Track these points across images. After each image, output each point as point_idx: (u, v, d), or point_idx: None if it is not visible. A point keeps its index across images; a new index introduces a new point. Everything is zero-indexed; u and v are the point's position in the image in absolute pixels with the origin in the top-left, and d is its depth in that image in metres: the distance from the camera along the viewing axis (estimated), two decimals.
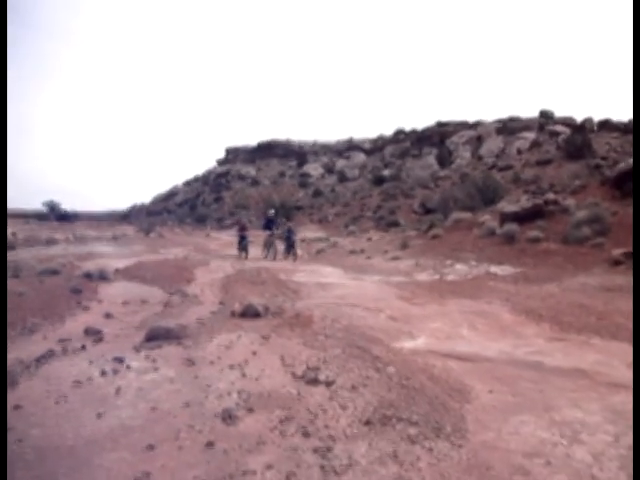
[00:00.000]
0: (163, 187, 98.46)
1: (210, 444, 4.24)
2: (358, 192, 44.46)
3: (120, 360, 6.31)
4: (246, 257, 20.47)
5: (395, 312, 9.51)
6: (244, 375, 5.97)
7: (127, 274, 13.47)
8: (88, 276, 12.26)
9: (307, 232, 33.28)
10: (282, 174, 59.64)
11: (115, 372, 5.94)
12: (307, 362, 6.46)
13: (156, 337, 7.36)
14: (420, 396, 5.35)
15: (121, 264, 14.96)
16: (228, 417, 4.77)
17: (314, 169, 57.90)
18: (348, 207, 40.35)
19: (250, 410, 4.94)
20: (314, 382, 5.77)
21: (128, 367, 6.10)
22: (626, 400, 5.22)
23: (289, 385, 5.69)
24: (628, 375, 5.95)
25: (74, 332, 7.95)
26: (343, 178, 51.73)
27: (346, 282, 13.24)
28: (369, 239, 27.86)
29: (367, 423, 4.68)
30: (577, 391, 5.46)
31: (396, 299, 10.78)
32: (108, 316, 9.16)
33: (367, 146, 60.29)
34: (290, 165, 61.50)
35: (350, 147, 61.17)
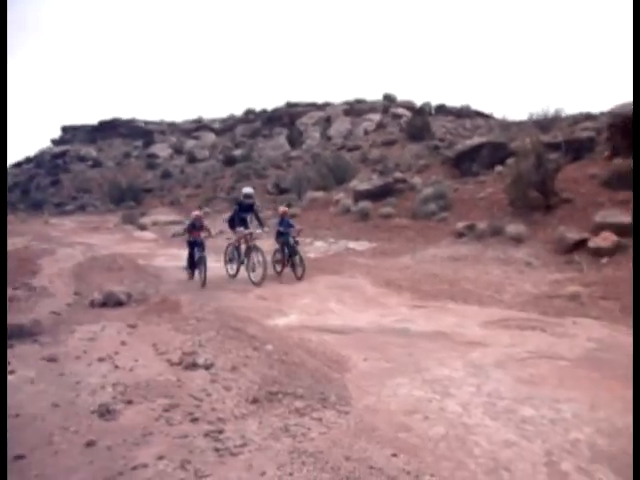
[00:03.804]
0: None
1: (90, 443, 3.95)
2: (210, 173, 43.46)
3: None
4: (203, 282, 10.44)
5: (263, 291, 9.58)
6: (116, 367, 5.64)
7: None
8: None
9: (159, 215, 31.97)
10: (127, 155, 56.22)
11: None
12: (182, 347, 6.28)
13: None
14: (301, 370, 5.48)
15: None
16: (106, 412, 4.48)
17: (162, 149, 55.36)
18: (200, 188, 39.30)
19: (129, 402, 4.69)
20: (193, 367, 5.63)
21: None
22: (481, 355, 5.84)
23: (167, 372, 5.49)
24: (481, 333, 6.65)
25: None
26: (193, 159, 50.17)
27: (208, 265, 12.97)
28: (225, 220, 27.47)
29: (254, 401, 4.69)
30: (441, 351, 5.98)
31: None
32: None
33: (217, 126, 59.02)
34: (135, 145, 58.12)
35: (199, 127, 59.43)
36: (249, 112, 57.53)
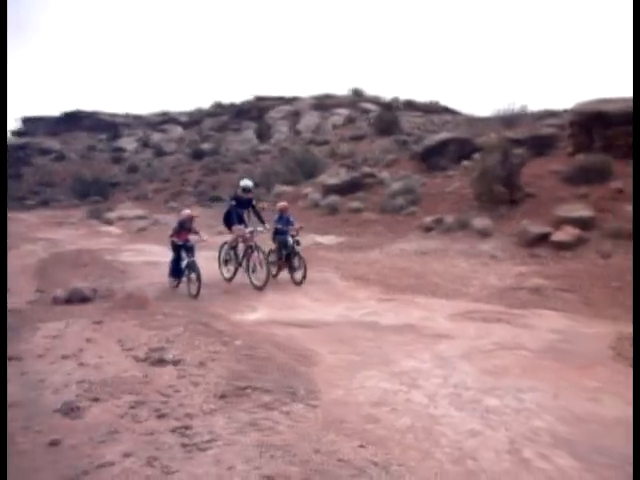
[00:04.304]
0: None
1: (54, 443, 3.88)
2: (177, 167, 42.85)
3: None
4: (197, 292, 8.87)
5: (230, 286, 9.52)
6: (81, 364, 5.54)
7: None
8: None
9: (125, 210, 31.48)
10: (92, 148, 54.93)
11: None
12: (149, 343, 6.21)
13: None
14: (270, 364, 5.49)
15: None
16: (70, 410, 4.40)
17: (128, 143, 54.31)
18: (168, 183, 38.75)
19: (95, 400, 4.62)
20: (160, 363, 5.59)
21: None
22: (448, 347, 5.94)
23: (133, 369, 5.42)
24: (448, 326, 6.77)
25: None
26: (160, 152, 49.33)
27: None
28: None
29: (222, 396, 4.67)
30: (409, 344, 6.06)
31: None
32: None
33: (184, 119, 58.18)
34: (101, 138, 56.87)
35: (166, 120, 58.47)
36: (217, 105, 56.95)
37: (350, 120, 41.01)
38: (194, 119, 57.38)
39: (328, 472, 3.46)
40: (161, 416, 4.28)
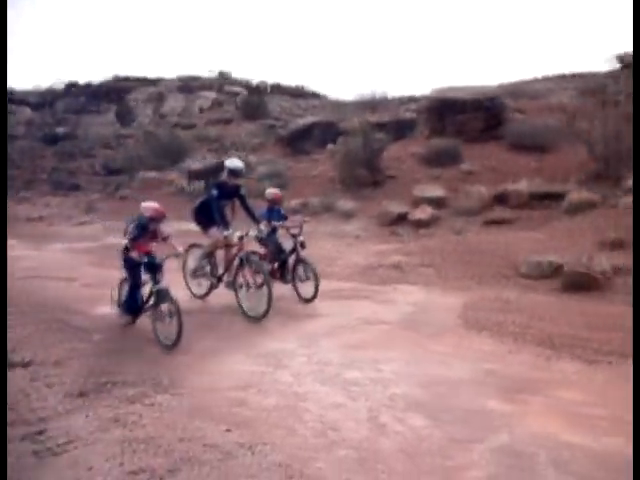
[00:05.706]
0: None
1: None
2: (27, 152, 39.31)
3: None
4: (176, 337, 5.40)
5: (89, 279, 8.98)
6: None
7: None
8: None
9: None
10: None
11: None
12: None
13: None
14: (132, 357, 5.33)
15: None
16: None
17: None
18: (17, 170, 35.46)
19: None
20: (8, 367, 5.14)
21: None
22: (313, 327, 6.14)
23: None
24: (313, 306, 6.95)
25: None
26: None
27: (28, 253, 11.84)
28: (47, 205, 25.28)
29: (80, 395, 4.45)
30: (275, 327, 6.15)
31: (87, 265, 10.22)
32: None
33: (33, 100, 53.39)
34: None
35: (11, 100, 53.25)
36: (71, 85, 52.83)
37: (218, 103, 40.20)
38: (45, 100, 52.81)
39: (194, 459, 3.44)
40: (9, 424, 3.95)
